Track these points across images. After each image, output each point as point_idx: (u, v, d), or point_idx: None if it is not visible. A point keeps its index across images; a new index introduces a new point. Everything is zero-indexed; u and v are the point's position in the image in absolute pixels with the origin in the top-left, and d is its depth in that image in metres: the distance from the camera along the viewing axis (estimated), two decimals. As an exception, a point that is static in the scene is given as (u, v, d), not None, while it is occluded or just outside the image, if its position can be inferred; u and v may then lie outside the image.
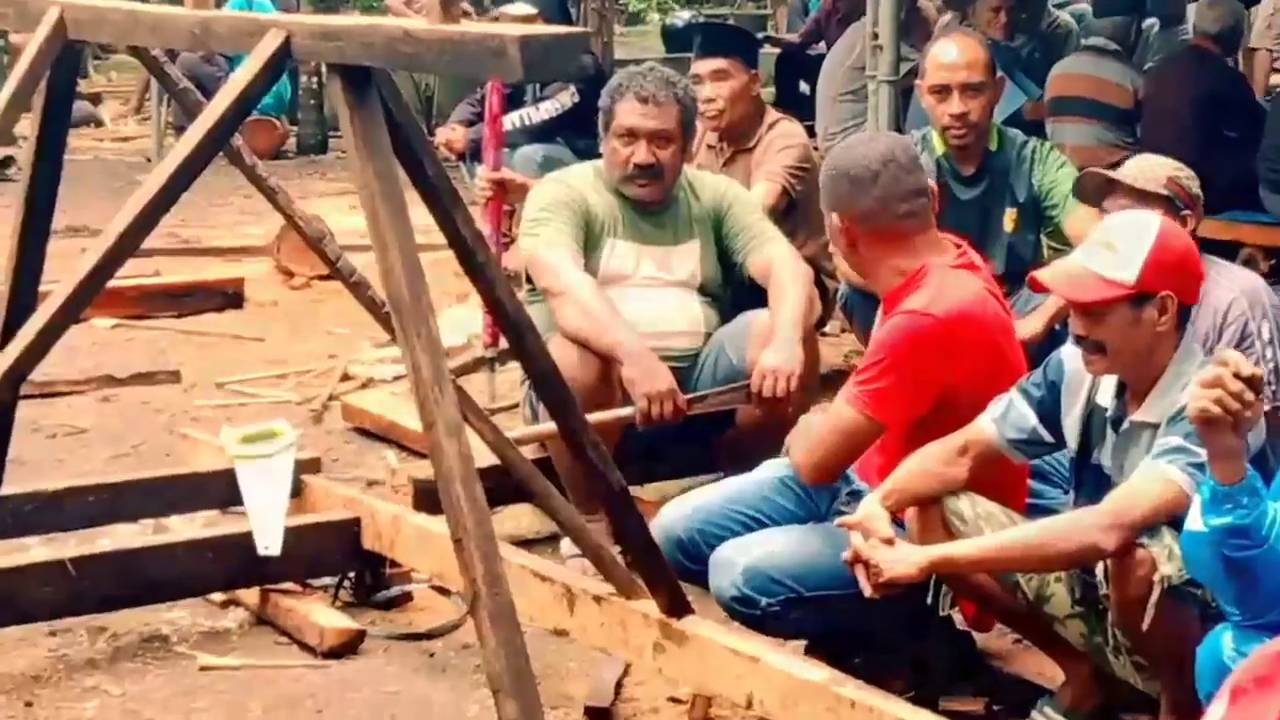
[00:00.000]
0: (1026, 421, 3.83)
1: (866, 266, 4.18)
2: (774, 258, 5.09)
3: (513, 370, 5.89)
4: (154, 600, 4.42)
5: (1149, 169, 4.51)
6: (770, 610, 3.92)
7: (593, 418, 4.08)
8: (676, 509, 4.25)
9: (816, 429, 4.13)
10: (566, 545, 4.80)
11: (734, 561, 3.96)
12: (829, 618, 3.96)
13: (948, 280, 4.04)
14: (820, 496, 4.23)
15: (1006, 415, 3.84)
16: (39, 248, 3.77)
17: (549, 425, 4.03)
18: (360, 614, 4.54)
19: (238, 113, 3.22)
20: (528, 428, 4.97)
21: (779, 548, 3.99)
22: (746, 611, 3.95)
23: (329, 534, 4.59)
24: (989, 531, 3.73)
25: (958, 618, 4.06)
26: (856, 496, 4.06)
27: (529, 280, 5.13)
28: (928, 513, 3.82)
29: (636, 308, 5.00)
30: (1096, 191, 4.60)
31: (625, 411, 4.72)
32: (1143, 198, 4.38)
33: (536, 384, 3.75)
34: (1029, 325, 5.10)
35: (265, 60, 3.15)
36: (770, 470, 4.30)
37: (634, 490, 4.04)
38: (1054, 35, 9.81)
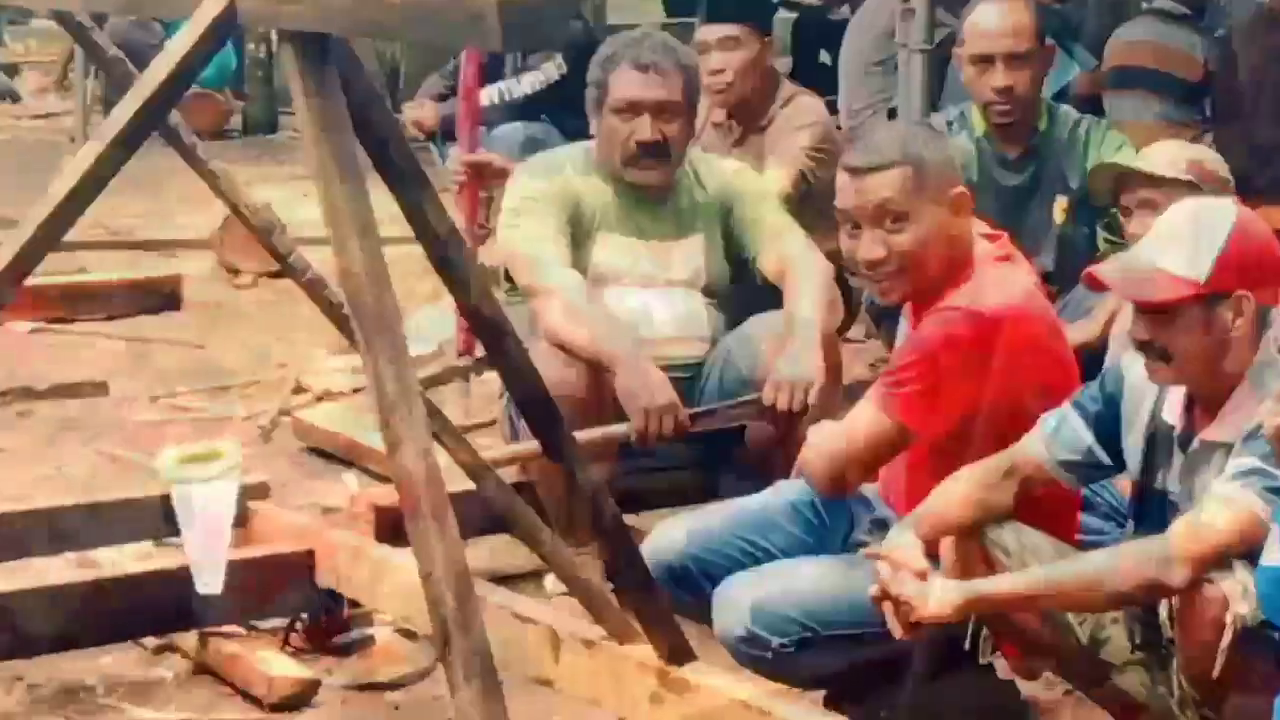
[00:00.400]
0: (1081, 441, 3.83)
1: (958, 256, 4.05)
2: (790, 253, 5.10)
3: (490, 382, 5.89)
4: (77, 645, 4.42)
5: (1165, 153, 4.53)
6: (783, 652, 3.92)
7: (582, 436, 4.08)
8: (669, 531, 4.26)
9: (836, 432, 4.12)
10: (551, 582, 4.81)
11: (740, 597, 3.97)
12: (851, 662, 3.96)
13: (992, 274, 4.04)
14: (837, 524, 4.23)
15: (1058, 433, 3.84)
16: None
17: (531, 444, 4.03)
18: (314, 661, 4.55)
19: (175, 86, 3.22)
20: (507, 447, 4.98)
21: (792, 581, 3.99)
22: (755, 653, 3.95)
23: (278, 569, 4.59)
24: (1035, 566, 3.73)
25: (1000, 664, 4.06)
26: (881, 525, 4.07)
27: (509, 278, 5.14)
28: (966, 544, 3.82)
29: (632, 310, 5.01)
30: (1112, 189, 4.61)
31: (619, 429, 4.72)
32: (1162, 186, 4.38)
33: (517, 397, 3.75)
34: (1084, 329, 5.10)
35: (207, 26, 3.15)
36: (781, 493, 4.29)
37: (628, 519, 4.05)
38: (1111, -2, 9.83)
